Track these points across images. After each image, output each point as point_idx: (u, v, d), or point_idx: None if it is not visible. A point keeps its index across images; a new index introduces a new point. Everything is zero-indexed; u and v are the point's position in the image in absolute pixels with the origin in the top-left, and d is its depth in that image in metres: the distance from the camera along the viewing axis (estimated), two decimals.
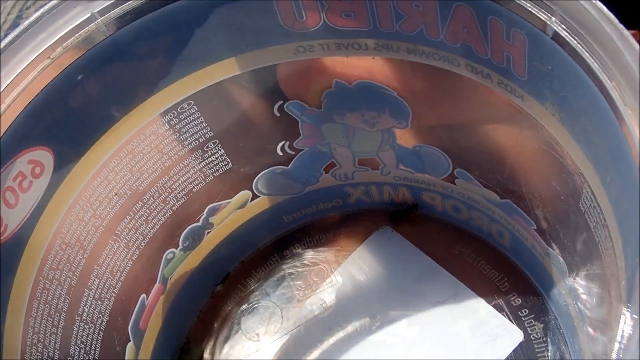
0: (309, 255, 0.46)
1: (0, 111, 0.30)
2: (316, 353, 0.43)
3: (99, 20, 0.31)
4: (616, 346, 0.23)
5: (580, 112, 0.28)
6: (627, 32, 0.24)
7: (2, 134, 0.30)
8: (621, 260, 0.27)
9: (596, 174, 0.28)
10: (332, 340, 0.43)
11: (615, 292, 0.28)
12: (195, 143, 0.38)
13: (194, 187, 0.40)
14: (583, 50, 0.26)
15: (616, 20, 0.25)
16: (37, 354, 0.33)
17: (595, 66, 0.25)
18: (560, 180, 0.32)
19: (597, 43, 0.25)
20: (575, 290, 0.36)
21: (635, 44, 0.24)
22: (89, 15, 0.31)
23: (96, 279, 0.37)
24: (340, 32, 0.33)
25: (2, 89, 0.30)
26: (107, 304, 0.38)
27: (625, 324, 0.23)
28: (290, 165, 0.41)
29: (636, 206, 0.24)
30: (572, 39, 0.26)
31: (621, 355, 0.22)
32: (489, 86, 0.32)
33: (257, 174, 0.42)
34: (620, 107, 0.24)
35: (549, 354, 0.40)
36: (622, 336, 0.23)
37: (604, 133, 0.26)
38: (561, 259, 0.36)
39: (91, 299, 0.37)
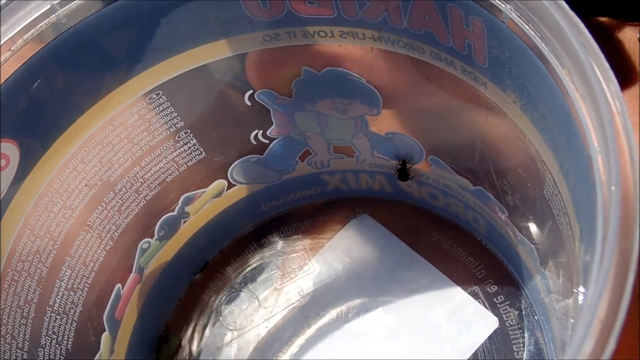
0: (287, 243, 0.46)
1: None
2: (294, 341, 0.43)
3: (60, 11, 0.31)
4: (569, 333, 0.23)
5: (538, 100, 0.28)
6: (577, 19, 0.24)
7: None
8: (580, 248, 0.27)
9: (555, 161, 0.28)
10: (309, 328, 0.43)
11: (576, 279, 0.28)
12: (166, 133, 0.38)
13: (167, 177, 0.40)
14: (536, 37, 0.26)
15: (567, 7, 0.24)
16: (5, 345, 0.33)
17: (547, 53, 0.25)
18: (526, 167, 0.32)
19: (548, 30, 0.25)
20: (546, 277, 0.36)
21: (585, 30, 0.24)
22: (49, 6, 0.31)
23: (68, 270, 0.37)
24: (305, 20, 0.33)
25: None
26: (80, 295, 0.38)
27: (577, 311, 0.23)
28: (264, 154, 0.41)
29: (589, 195, 0.24)
30: (526, 26, 0.26)
31: (569, 344, 0.22)
32: (453, 73, 0.32)
33: (232, 163, 0.42)
34: (571, 95, 0.24)
35: (524, 340, 0.40)
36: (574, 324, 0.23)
37: (559, 120, 0.26)
38: (532, 245, 0.36)
39: (63, 289, 0.37)
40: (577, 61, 0.24)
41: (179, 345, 0.44)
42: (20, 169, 0.33)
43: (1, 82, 0.31)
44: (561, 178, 0.28)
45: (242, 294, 0.45)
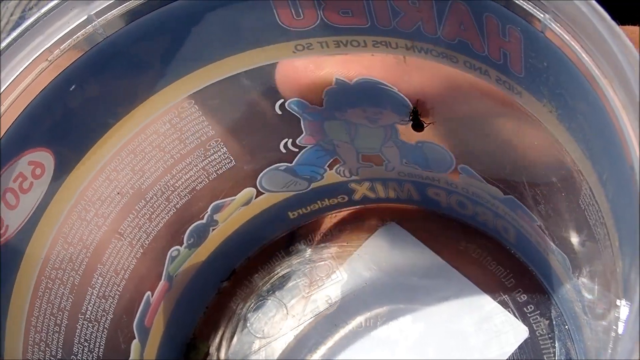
0: (315, 251, 0.46)
1: (0, 112, 0.30)
2: (322, 349, 0.43)
3: (96, 22, 0.31)
4: (611, 345, 0.23)
5: (575, 109, 0.27)
6: (619, 29, 0.24)
7: (1, 135, 0.30)
8: (619, 258, 0.27)
9: (594, 171, 0.28)
10: (337, 336, 0.43)
11: (614, 290, 0.28)
12: (197, 141, 0.38)
13: (197, 185, 0.40)
14: (576, 47, 0.26)
15: (608, 17, 0.24)
16: (39, 352, 0.33)
17: (588, 63, 0.25)
18: (561, 177, 0.32)
19: (589, 40, 0.25)
20: (579, 288, 0.36)
21: (627, 40, 0.24)
22: (86, 17, 0.31)
23: (100, 278, 0.37)
24: (338, 30, 0.33)
25: (1, 90, 0.30)
26: (112, 302, 0.38)
27: (619, 322, 0.23)
28: (294, 162, 0.41)
29: (631, 204, 0.24)
30: (565, 36, 0.26)
31: (610, 354, 0.22)
32: (487, 83, 0.32)
33: (261, 171, 0.42)
34: (612, 105, 0.24)
35: (555, 350, 0.40)
36: (617, 335, 0.23)
37: (598, 131, 0.26)
38: (564, 255, 0.36)
39: (95, 297, 0.37)
40: (618, 70, 0.24)
41: (207, 353, 0.44)
42: (54, 177, 0.33)
43: (38, 92, 0.31)
44: (599, 188, 0.28)
45: (270, 301, 0.45)
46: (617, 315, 0.26)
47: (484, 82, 0.32)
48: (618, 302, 0.26)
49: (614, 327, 0.25)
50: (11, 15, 0.53)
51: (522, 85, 0.30)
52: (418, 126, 0.38)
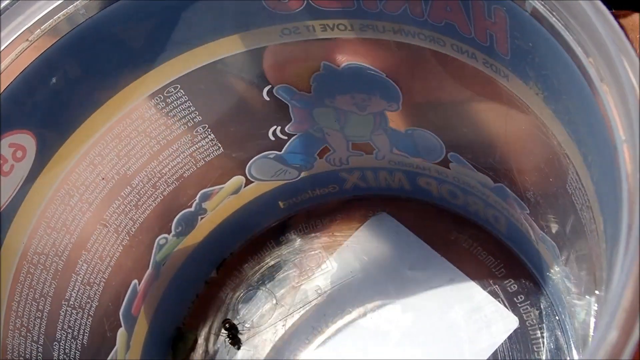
0: (305, 241, 0.46)
1: None
2: (311, 339, 0.42)
3: (78, 2, 0.31)
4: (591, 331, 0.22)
5: (561, 90, 0.27)
6: (604, 7, 0.24)
7: None
8: (603, 241, 0.26)
9: (579, 154, 0.28)
10: (326, 326, 0.43)
11: (599, 275, 0.28)
12: (184, 127, 0.38)
13: (184, 172, 0.40)
14: (561, 26, 0.25)
15: None
16: (20, 338, 0.33)
17: (572, 42, 0.25)
18: (548, 162, 0.32)
19: (574, 18, 0.25)
20: (568, 276, 0.35)
21: (612, 19, 0.24)
22: None
23: (84, 264, 0.37)
24: (324, 13, 0.33)
25: None
26: (97, 290, 0.38)
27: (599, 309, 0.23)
28: (283, 151, 0.41)
29: (614, 186, 0.23)
30: (550, 15, 0.25)
31: (593, 335, 0.22)
32: (474, 66, 0.32)
33: (250, 159, 0.41)
34: (596, 84, 0.24)
35: (545, 340, 0.39)
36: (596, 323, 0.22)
37: (583, 111, 0.25)
38: (553, 243, 0.36)
39: (79, 284, 0.36)
40: (603, 49, 0.24)
41: (195, 342, 0.44)
42: (37, 161, 0.33)
43: (19, 73, 0.31)
44: (585, 171, 0.27)
45: (259, 292, 0.45)
46: (600, 300, 0.26)
47: (471, 66, 0.32)
48: (600, 286, 0.26)
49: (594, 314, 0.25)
50: None
51: (509, 67, 0.30)
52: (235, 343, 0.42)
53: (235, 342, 0.42)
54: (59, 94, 0.32)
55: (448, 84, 0.34)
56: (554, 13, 0.25)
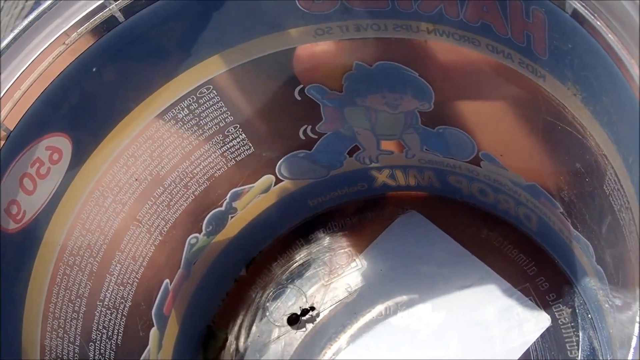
0: (334, 239, 0.46)
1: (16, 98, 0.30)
2: (341, 337, 0.42)
3: (114, 5, 0.31)
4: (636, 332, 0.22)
5: (601, 92, 0.27)
6: None
7: (18, 120, 0.30)
8: None
9: (618, 155, 0.27)
10: (357, 324, 0.43)
11: (638, 277, 0.28)
12: (216, 128, 0.38)
13: (215, 172, 0.40)
14: (602, 27, 0.25)
15: None
16: (57, 339, 0.33)
17: (614, 43, 0.25)
18: (585, 162, 0.32)
19: (615, 19, 0.24)
20: (602, 275, 0.35)
21: None
22: (102, 0, 0.30)
23: (118, 265, 0.37)
24: (358, 14, 0.33)
25: (17, 75, 0.30)
26: (130, 290, 0.38)
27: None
28: (313, 149, 0.41)
29: None
30: (591, 16, 0.25)
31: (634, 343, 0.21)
32: (510, 66, 0.31)
33: (280, 158, 0.41)
34: (639, 85, 0.24)
35: (578, 339, 0.39)
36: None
37: (624, 112, 0.25)
38: (588, 242, 0.35)
39: (113, 284, 0.37)
40: None
41: (226, 341, 0.44)
42: (72, 163, 0.33)
43: (55, 76, 0.31)
44: (624, 172, 0.27)
45: (289, 290, 0.45)
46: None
47: (506, 66, 0.32)
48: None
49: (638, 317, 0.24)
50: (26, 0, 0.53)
51: (546, 68, 0.30)
52: (292, 323, 0.43)
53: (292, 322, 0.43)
54: (94, 97, 0.32)
55: (481, 83, 0.34)
56: (595, 14, 0.25)
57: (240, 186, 0.41)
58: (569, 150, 0.33)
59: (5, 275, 0.31)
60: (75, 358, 0.34)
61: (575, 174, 0.33)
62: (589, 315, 0.39)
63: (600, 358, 0.38)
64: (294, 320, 0.43)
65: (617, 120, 0.27)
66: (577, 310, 0.40)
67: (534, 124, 0.34)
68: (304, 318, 0.43)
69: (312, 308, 0.43)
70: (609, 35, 0.25)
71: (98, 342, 0.36)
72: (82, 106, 0.32)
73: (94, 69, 0.31)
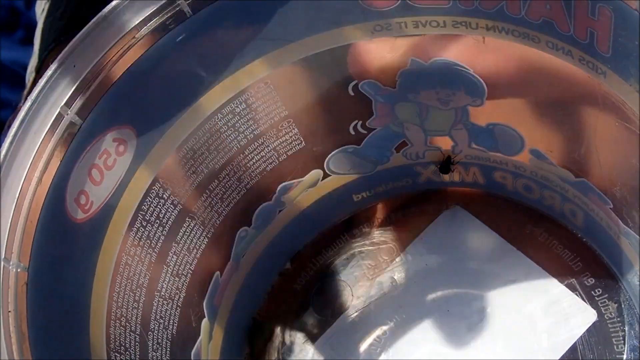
0: (379, 234, 0.46)
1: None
2: (387, 330, 0.43)
3: (182, 0, 0.31)
4: None
5: None
6: None
7: (88, 113, 0.31)
8: None
9: None
10: (402, 317, 0.43)
11: None
12: (270, 122, 0.38)
13: (267, 166, 0.40)
14: None
15: None
16: (120, 327, 0.34)
17: None
18: None
19: None
20: None
21: None
22: None
23: (174, 256, 0.37)
24: (418, 10, 0.33)
25: (89, 68, 0.30)
26: (184, 281, 0.38)
27: None
28: (362, 145, 0.42)
29: None
30: None
31: None
32: (569, 63, 0.32)
33: (329, 153, 0.42)
34: None
35: (624, 334, 0.40)
36: None
37: None
38: (638, 236, 0.36)
39: (169, 275, 0.37)
40: None
41: (272, 333, 0.45)
42: (136, 154, 0.34)
43: (125, 69, 0.31)
44: None
45: (334, 283, 0.45)
46: None
47: (564, 63, 0.32)
48: None
49: None
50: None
51: (608, 64, 0.30)
52: (445, 170, 0.41)
53: (446, 169, 0.42)
54: (160, 91, 0.33)
55: (537, 81, 0.35)
56: None
57: (289, 180, 0.42)
58: (625, 146, 0.33)
59: (74, 264, 0.31)
60: (137, 347, 0.35)
61: (630, 170, 0.34)
62: (636, 311, 0.40)
63: None
64: (446, 168, 0.42)
65: None
66: (622, 305, 0.40)
67: (589, 121, 0.34)
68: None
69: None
70: None
71: (156, 332, 0.36)
72: (147, 99, 0.33)
73: (160, 63, 0.32)
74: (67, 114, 0.30)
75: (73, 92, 0.30)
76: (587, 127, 0.35)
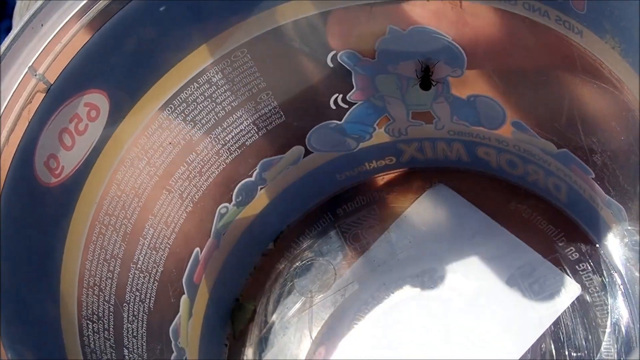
0: (362, 213, 0.46)
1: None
2: (371, 307, 0.42)
3: None
4: None
5: None
6: None
7: (58, 74, 0.30)
8: None
9: None
10: (386, 295, 0.43)
11: None
12: (249, 94, 0.38)
13: (247, 140, 0.40)
14: None
15: None
16: (93, 296, 0.33)
17: None
18: (620, 119, 0.32)
19: None
20: (634, 241, 0.35)
21: None
22: None
23: (151, 229, 0.37)
24: None
25: (59, 27, 0.30)
26: (162, 255, 0.38)
27: None
28: (343, 120, 0.41)
29: None
30: None
31: None
32: (546, 24, 0.32)
33: (311, 129, 0.41)
34: None
35: (608, 307, 0.39)
36: None
37: None
38: (620, 206, 0.36)
39: (146, 248, 0.37)
40: None
41: (254, 313, 0.44)
42: (109, 121, 0.33)
43: (94, 32, 0.31)
44: None
45: (317, 263, 0.45)
46: None
47: (541, 26, 0.32)
48: None
49: None
50: None
51: (584, 22, 0.30)
52: (426, 86, 0.38)
53: (427, 84, 0.39)
54: (133, 55, 0.33)
55: (516, 46, 0.34)
56: None
57: (270, 156, 0.42)
58: (604, 108, 0.33)
59: (44, 228, 0.31)
60: (111, 317, 0.34)
61: (610, 133, 0.33)
62: (619, 283, 0.39)
63: (631, 325, 0.38)
64: (426, 82, 0.39)
65: None
66: (606, 279, 0.40)
67: (569, 86, 0.34)
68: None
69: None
70: None
71: (132, 304, 0.36)
72: (120, 64, 0.33)
73: (132, 26, 0.32)
74: (35, 75, 0.30)
75: (41, 52, 0.30)
76: (566, 93, 0.35)
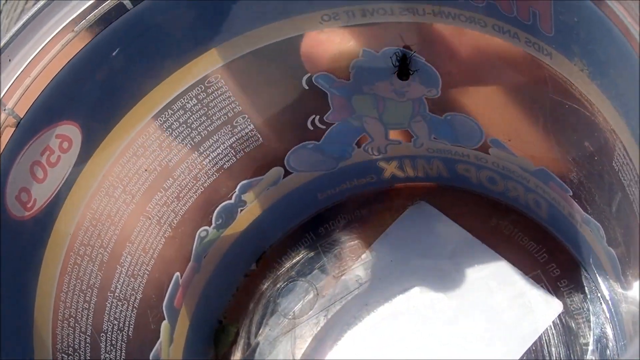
0: (344, 232, 0.46)
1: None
2: (353, 329, 0.42)
3: None
4: None
5: (608, 64, 0.27)
6: None
7: (29, 108, 0.30)
8: None
9: (627, 127, 0.27)
10: (369, 315, 0.43)
11: None
12: (224, 118, 0.38)
13: (224, 164, 0.40)
14: None
15: None
16: (69, 328, 0.33)
17: (621, 14, 0.25)
18: (593, 139, 0.32)
19: None
20: (613, 256, 0.35)
21: None
22: None
23: (128, 256, 0.37)
24: None
25: (27, 62, 0.30)
26: (140, 282, 0.38)
27: None
28: (321, 140, 0.41)
29: None
30: None
31: None
32: (517, 46, 0.31)
33: (289, 150, 0.41)
34: None
35: (590, 324, 0.39)
36: None
37: (632, 83, 0.25)
38: (598, 223, 0.35)
39: (124, 276, 0.37)
40: None
41: (237, 335, 0.44)
42: (82, 151, 0.33)
43: (64, 64, 0.31)
44: (634, 145, 0.27)
45: (300, 283, 0.45)
46: None
47: (511, 47, 0.32)
48: None
49: None
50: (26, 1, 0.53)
51: (552, 45, 0.30)
52: (404, 74, 0.37)
53: (405, 73, 0.37)
54: (104, 85, 0.33)
55: (487, 66, 0.34)
56: None
57: (249, 178, 0.41)
58: (577, 129, 0.33)
59: (16, 263, 0.31)
60: (87, 348, 0.34)
61: (584, 154, 0.33)
62: (601, 301, 0.39)
63: (613, 343, 0.38)
64: (404, 70, 0.37)
65: (625, 92, 0.27)
66: (588, 296, 0.40)
67: (541, 105, 0.34)
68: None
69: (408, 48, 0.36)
70: (616, 6, 0.25)
71: (109, 333, 0.36)
72: (91, 94, 0.32)
73: (102, 56, 0.32)
74: (5, 110, 0.30)
75: (10, 87, 0.30)
76: (540, 112, 0.35)
